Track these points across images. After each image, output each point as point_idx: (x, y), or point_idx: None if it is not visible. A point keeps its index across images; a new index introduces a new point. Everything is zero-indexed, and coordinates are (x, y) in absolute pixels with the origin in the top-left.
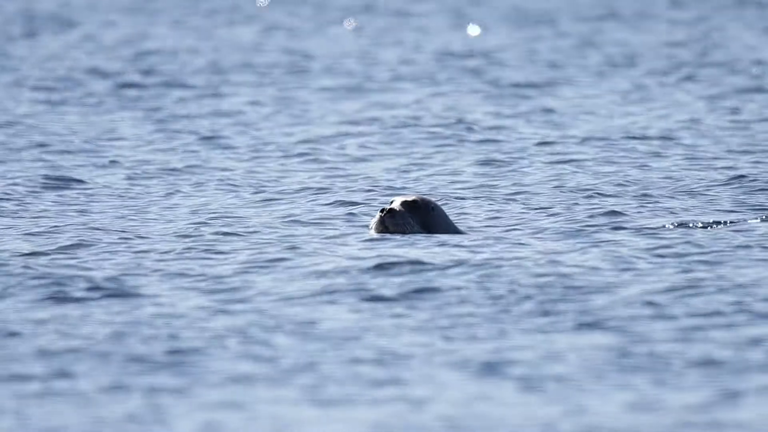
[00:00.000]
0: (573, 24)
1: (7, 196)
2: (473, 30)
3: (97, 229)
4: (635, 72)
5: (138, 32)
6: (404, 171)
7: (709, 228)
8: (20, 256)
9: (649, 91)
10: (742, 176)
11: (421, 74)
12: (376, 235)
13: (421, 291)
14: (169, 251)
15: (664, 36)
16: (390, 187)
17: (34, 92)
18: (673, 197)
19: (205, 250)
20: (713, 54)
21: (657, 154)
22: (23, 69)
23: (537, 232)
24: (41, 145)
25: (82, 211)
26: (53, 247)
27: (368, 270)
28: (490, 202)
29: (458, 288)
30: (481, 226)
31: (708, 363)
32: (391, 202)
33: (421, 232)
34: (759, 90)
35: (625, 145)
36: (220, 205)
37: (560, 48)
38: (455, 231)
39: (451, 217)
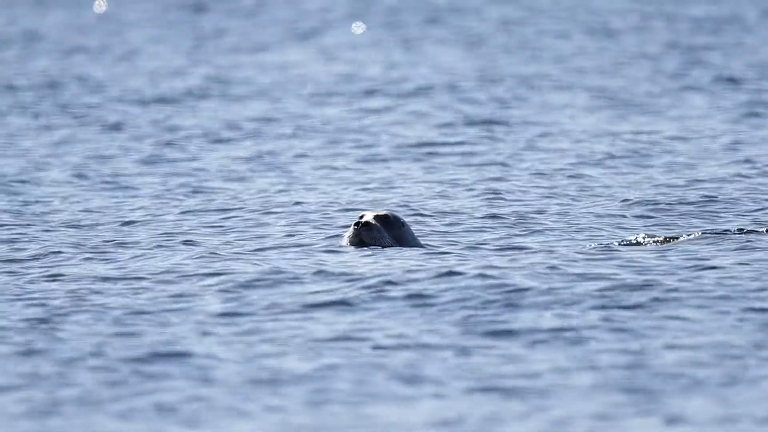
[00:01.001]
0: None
1: None
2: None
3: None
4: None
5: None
6: (363, 187)
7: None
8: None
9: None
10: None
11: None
12: (351, 248)
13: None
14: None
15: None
16: (351, 203)
17: None
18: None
19: (180, 274)
20: None
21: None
22: None
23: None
24: None
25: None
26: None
27: (372, 282)
28: (446, 218)
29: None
30: (440, 242)
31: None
32: (362, 216)
33: (393, 246)
34: None
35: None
36: (187, 227)
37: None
38: (420, 246)
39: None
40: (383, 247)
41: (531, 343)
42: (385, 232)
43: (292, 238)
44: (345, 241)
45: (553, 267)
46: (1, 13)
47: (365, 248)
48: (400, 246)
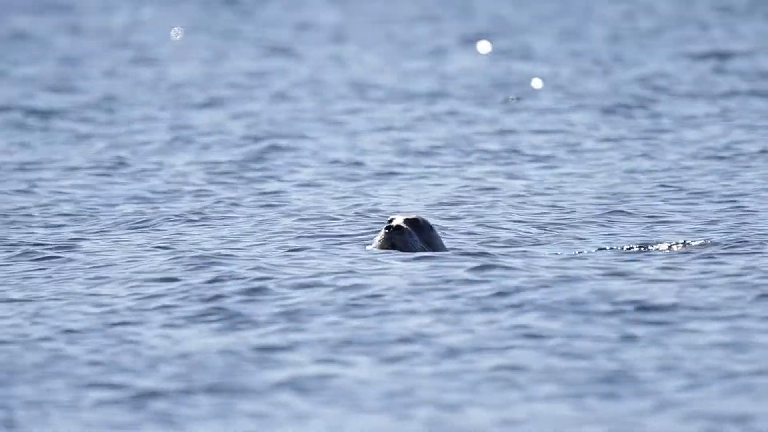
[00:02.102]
0: None
1: None
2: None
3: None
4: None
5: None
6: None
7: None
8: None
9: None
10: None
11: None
12: (383, 252)
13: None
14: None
15: None
16: (373, 209)
17: None
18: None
19: (206, 281)
20: None
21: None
22: None
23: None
24: None
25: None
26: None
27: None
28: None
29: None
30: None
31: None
32: (391, 220)
33: (424, 250)
34: None
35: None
36: (210, 231)
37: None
38: (446, 250)
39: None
40: (414, 251)
41: (562, 341)
42: (416, 235)
43: (321, 242)
44: (376, 245)
45: (566, 271)
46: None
47: (399, 252)
48: (429, 249)
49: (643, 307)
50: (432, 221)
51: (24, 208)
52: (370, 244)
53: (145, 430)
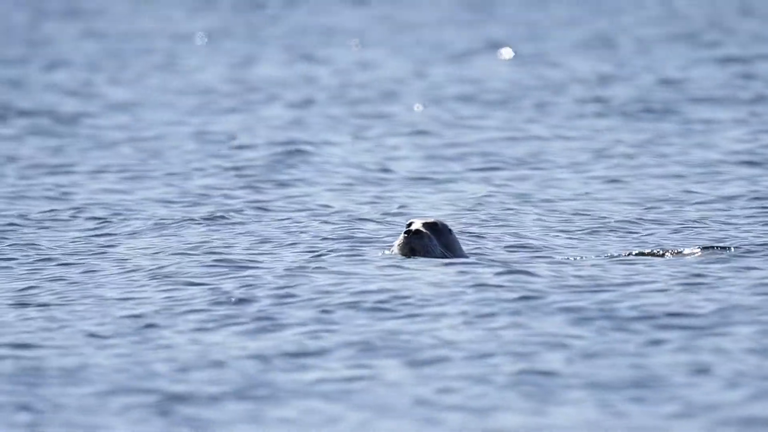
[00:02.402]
0: None
1: None
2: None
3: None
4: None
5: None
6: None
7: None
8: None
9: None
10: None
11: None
12: (401, 257)
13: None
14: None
15: None
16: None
17: None
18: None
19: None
20: None
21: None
22: None
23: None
24: None
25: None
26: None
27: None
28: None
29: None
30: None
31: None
32: (410, 224)
33: (444, 254)
34: None
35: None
36: (221, 237)
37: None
38: (464, 254)
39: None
40: (434, 255)
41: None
42: (435, 239)
43: (348, 246)
44: (395, 249)
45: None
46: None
47: (419, 257)
48: (449, 253)
49: (672, 313)
50: (458, 227)
51: (54, 211)
52: (390, 248)
53: None
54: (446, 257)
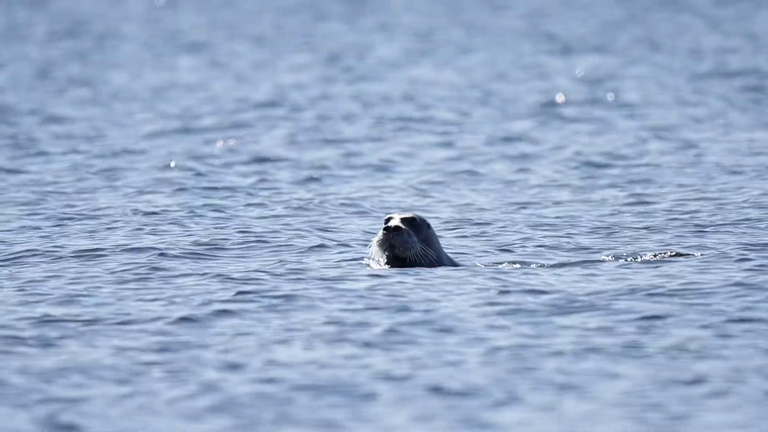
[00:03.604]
0: None
1: None
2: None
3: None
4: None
5: None
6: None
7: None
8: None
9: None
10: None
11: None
12: (378, 268)
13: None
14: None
15: None
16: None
17: None
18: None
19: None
20: None
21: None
22: None
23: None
24: None
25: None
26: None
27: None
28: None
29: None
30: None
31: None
32: (388, 219)
33: (423, 249)
34: None
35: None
36: (191, 241)
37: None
38: (441, 248)
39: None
40: (413, 251)
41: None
42: (414, 235)
43: (322, 239)
44: (374, 246)
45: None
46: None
47: (398, 253)
48: (428, 248)
49: (709, 311)
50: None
51: (108, 215)
52: (371, 245)
53: None
54: (425, 252)
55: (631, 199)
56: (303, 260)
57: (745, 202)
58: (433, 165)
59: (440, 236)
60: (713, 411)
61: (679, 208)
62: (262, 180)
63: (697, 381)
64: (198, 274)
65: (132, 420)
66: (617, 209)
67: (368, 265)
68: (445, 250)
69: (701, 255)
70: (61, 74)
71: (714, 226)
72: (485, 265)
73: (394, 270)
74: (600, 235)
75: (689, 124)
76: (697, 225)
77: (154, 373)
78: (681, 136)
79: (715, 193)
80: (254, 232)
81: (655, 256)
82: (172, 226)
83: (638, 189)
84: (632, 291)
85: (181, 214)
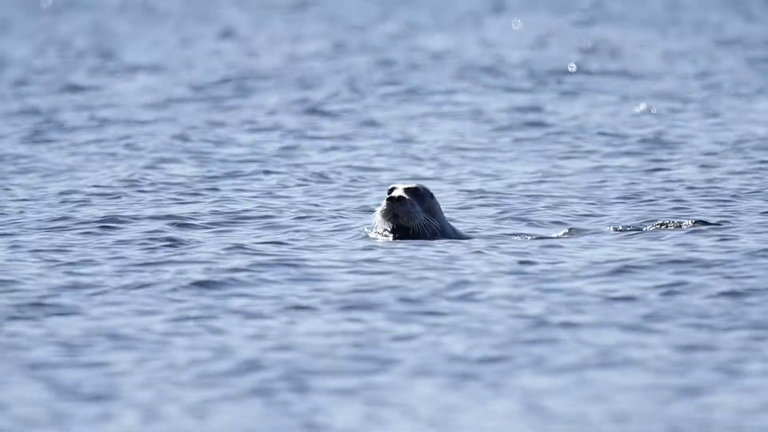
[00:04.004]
0: None
1: None
2: None
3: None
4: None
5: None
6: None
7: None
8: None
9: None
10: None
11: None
12: (380, 240)
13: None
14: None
15: None
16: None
17: None
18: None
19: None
20: None
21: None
22: None
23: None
24: None
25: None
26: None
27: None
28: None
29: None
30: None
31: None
32: (392, 189)
33: (427, 220)
34: None
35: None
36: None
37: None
38: (444, 218)
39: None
40: (417, 221)
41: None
42: (417, 205)
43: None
44: (378, 216)
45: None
46: None
47: (402, 223)
48: (432, 218)
49: (733, 280)
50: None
51: (126, 184)
52: (375, 216)
53: (273, 419)
54: (429, 222)
55: (653, 167)
56: (318, 229)
57: None
58: (449, 135)
59: (458, 208)
60: (736, 377)
61: (701, 176)
62: (283, 149)
63: (719, 348)
64: (216, 243)
65: (154, 387)
66: (638, 179)
67: (370, 236)
68: (460, 223)
69: (726, 224)
70: (81, 43)
71: (739, 196)
72: (497, 236)
73: (402, 241)
74: (622, 205)
75: (714, 92)
76: (722, 195)
77: (175, 341)
78: (706, 106)
79: (740, 163)
80: (271, 203)
81: (679, 225)
82: (190, 195)
83: (663, 156)
84: (655, 260)
85: (199, 183)
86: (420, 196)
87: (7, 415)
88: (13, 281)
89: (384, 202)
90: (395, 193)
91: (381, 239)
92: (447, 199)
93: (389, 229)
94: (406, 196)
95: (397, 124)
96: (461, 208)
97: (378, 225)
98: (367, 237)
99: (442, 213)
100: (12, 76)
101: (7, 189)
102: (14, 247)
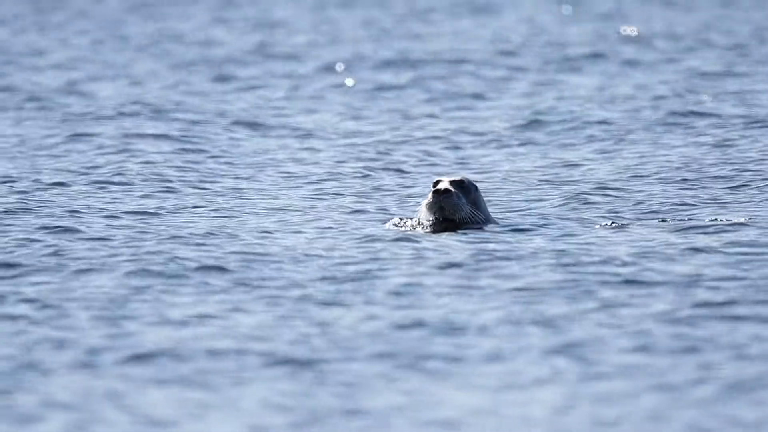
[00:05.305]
0: None
1: None
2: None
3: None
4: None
5: None
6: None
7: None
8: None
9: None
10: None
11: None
12: (429, 231)
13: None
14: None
15: None
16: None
17: None
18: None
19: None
20: None
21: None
22: None
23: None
24: None
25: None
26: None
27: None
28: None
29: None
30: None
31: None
32: (437, 183)
33: (472, 212)
34: None
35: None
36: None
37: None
38: (488, 211)
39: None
40: (463, 213)
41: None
42: (463, 197)
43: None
44: (423, 208)
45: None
46: None
47: (447, 216)
48: (477, 211)
49: (743, 286)
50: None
51: (129, 175)
52: (420, 208)
53: (323, 401)
54: (474, 215)
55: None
56: (356, 221)
57: None
58: (487, 125)
59: (500, 198)
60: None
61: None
62: (305, 136)
63: (753, 341)
64: (247, 234)
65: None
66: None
67: (416, 228)
68: (496, 211)
69: None
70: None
71: None
72: (541, 226)
73: (448, 233)
74: (666, 194)
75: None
76: None
77: (189, 324)
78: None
79: None
80: (302, 194)
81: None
82: (206, 183)
83: (715, 141)
84: (694, 251)
85: (217, 170)
86: (465, 188)
87: None
88: None
89: (430, 195)
90: (441, 186)
91: (427, 230)
92: (489, 192)
93: (435, 222)
94: (452, 189)
95: (440, 115)
96: (502, 200)
97: (423, 217)
98: (415, 229)
99: (485, 205)
100: None
101: None
102: None
